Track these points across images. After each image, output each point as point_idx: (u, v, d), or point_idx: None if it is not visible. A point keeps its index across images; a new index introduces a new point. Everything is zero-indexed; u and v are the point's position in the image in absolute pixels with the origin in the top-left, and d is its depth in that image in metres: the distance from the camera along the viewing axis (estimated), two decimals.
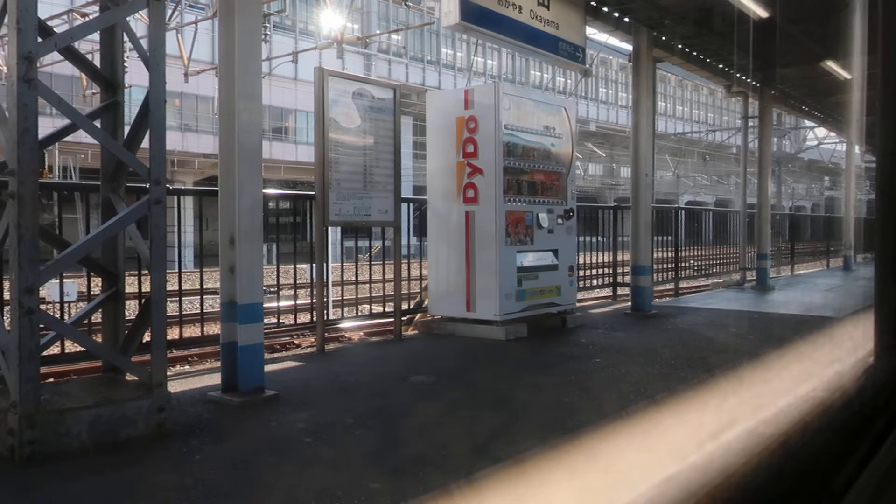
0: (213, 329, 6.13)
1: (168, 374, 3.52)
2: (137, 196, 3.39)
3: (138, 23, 8.55)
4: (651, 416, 0.85)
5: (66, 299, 5.09)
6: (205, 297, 5.93)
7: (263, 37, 13.95)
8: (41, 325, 3.04)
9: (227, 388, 3.91)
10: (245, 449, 3.13)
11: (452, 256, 6.18)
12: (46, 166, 19.95)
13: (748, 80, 10.35)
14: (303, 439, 3.21)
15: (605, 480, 0.62)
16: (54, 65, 16.53)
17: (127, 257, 3.76)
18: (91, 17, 11.93)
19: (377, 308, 6.81)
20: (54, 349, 4.14)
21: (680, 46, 9.05)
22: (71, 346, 4.56)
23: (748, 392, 0.96)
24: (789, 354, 1.32)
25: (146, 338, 3.38)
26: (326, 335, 5.66)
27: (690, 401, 0.99)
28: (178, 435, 3.21)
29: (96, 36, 3.73)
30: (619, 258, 9.26)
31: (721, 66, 10.20)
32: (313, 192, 5.40)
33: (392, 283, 6.10)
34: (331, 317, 6.61)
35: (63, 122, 3.45)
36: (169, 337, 4.09)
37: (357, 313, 7.31)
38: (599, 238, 9.67)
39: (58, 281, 4.67)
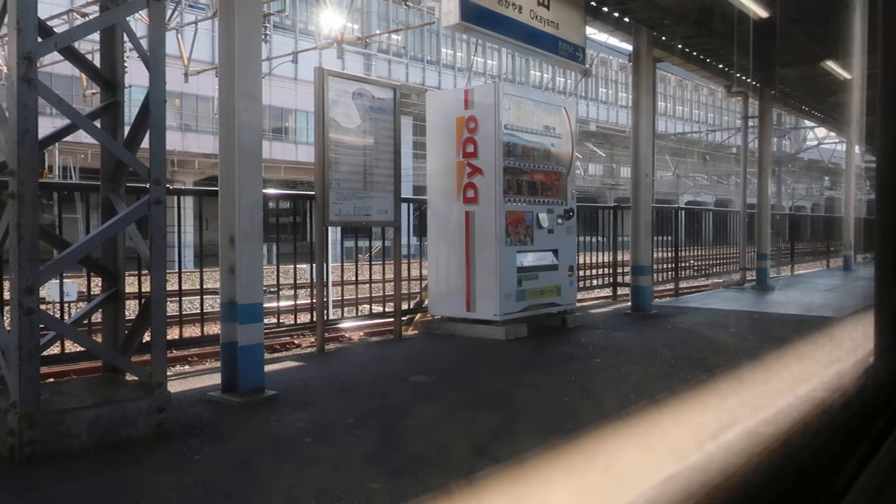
0: (213, 329, 6.13)
1: (168, 374, 3.53)
2: (137, 196, 3.39)
3: (138, 23, 8.55)
4: (651, 416, 0.85)
5: (66, 299, 5.09)
6: (205, 297, 5.93)
7: (263, 37, 13.95)
8: (41, 325, 3.04)
9: (227, 388, 3.91)
10: (245, 449, 3.13)
11: (452, 256, 6.18)
12: (46, 166, 19.95)
13: (748, 80, 10.35)
14: (303, 439, 3.21)
15: (605, 480, 0.62)
16: (54, 65, 16.53)
17: (127, 257, 3.76)
18: (91, 17, 11.94)
19: (377, 308, 6.81)
20: (54, 349, 4.14)
21: (680, 46, 9.05)
22: (71, 346, 4.56)
23: (748, 392, 0.96)
24: (789, 354, 1.32)
25: (146, 338, 3.38)
26: (326, 335, 5.66)
27: (690, 401, 0.99)
28: (178, 435, 3.21)
29: (96, 36, 3.73)
30: (619, 258, 9.26)
31: (721, 66, 10.20)
32: (313, 192, 5.40)
33: (392, 283, 6.10)
34: (331, 317, 6.61)
35: (63, 122, 3.45)
36: (169, 337, 4.09)
37: (357, 313, 7.31)
38: (599, 238, 9.67)
39: (58, 281, 4.67)
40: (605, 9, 7.54)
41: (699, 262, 11.81)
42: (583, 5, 7.11)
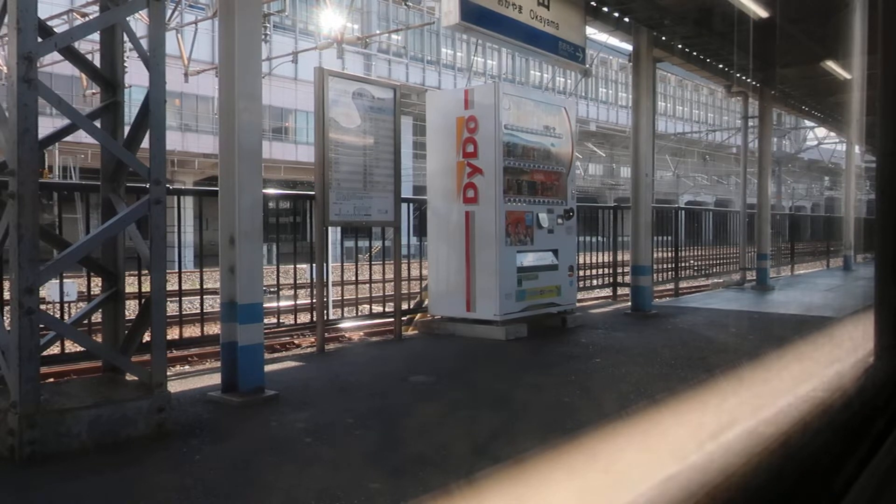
0: (213, 329, 6.13)
1: (168, 374, 3.53)
2: (137, 196, 3.39)
3: (138, 23, 8.55)
4: (651, 416, 0.85)
5: (66, 299, 5.09)
6: (205, 297, 5.93)
7: (263, 37, 13.95)
8: (41, 325, 3.04)
9: (227, 388, 3.91)
10: (245, 449, 3.13)
11: (452, 256, 6.18)
12: (46, 166, 19.95)
13: (748, 80, 10.35)
14: (303, 439, 3.21)
15: (605, 480, 0.62)
16: (54, 65, 16.54)
17: (127, 257, 3.76)
18: (91, 17, 11.94)
19: (377, 308, 6.81)
20: (54, 349, 4.14)
21: (680, 46, 9.05)
22: (71, 346, 4.56)
23: (748, 392, 0.96)
24: (789, 354, 1.32)
25: (146, 338, 3.38)
26: (326, 335, 5.66)
27: (690, 401, 0.99)
28: (178, 435, 3.21)
29: (96, 36, 3.73)
30: (619, 258, 9.26)
31: (721, 66, 10.20)
32: (313, 192, 5.40)
33: (392, 283, 6.10)
34: (331, 317, 6.61)
35: (63, 122, 3.45)
36: (169, 337, 4.09)
37: (357, 313, 7.31)
38: (599, 238, 9.67)
39: (58, 281, 4.67)
40: (605, 9, 7.53)
41: (699, 262, 11.81)
42: (583, 5, 7.11)
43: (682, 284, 11.16)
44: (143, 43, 3.37)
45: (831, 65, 10.23)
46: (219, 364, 4.24)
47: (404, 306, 6.56)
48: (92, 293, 5.04)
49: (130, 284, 4.60)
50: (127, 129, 3.60)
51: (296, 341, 6.74)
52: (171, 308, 4.93)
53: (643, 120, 7.98)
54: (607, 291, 9.65)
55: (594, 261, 9.20)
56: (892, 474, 0.80)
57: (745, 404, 0.85)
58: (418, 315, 6.86)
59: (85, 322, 4.64)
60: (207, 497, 2.53)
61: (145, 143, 3.35)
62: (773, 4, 7.70)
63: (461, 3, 5.45)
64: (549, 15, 6.53)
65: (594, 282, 9.40)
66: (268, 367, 4.40)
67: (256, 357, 3.98)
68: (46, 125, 3.28)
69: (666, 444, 0.72)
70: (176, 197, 5.27)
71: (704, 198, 45.19)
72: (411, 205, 7.20)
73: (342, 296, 8.08)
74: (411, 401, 4.01)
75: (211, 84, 21.61)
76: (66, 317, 4.82)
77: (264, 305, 4.22)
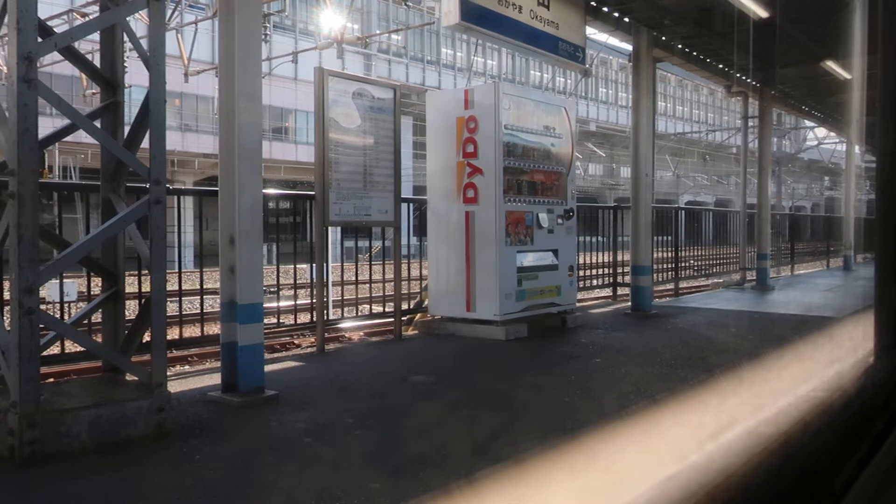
0: (213, 329, 6.13)
1: (168, 374, 3.53)
2: (137, 196, 3.39)
3: (138, 23, 8.55)
4: (651, 416, 0.85)
5: (66, 299, 5.09)
6: (205, 297, 5.93)
7: (263, 37, 13.95)
8: (41, 325, 3.04)
9: (227, 388, 3.91)
10: (245, 449, 3.13)
11: (452, 256, 6.18)
12: (46, 166, 19.95)
13: (748, 80, 10.35)
14: (303, 439, 3.21)
15: (605, 480, 0.62)
16: (54, 65, 16.53)
17: (127, 257, 3.76)
18: (91, 17, 11.94)
19: (377, 308, 6.81)
20: (54, 349, 4.14)
21: (680, 46, 9.05)
22: (71, 346, 4.56)
23: (748, 392, 0.96)
24: (789, 354, 1.32)
25: (146, 338, 3.38)
26: (326, 335, 5.66)
27: (690, 401, 0.99)
28: (178, 435, 3.21)
29: (96, 36, 3.73)
30: (619, 258, 9.26)
31: (721, 66, 10.20)
32: (313, 192, 5.40)
33: (392, 283, 6.10)
34: (331, 317, 6.61)
35: (63, 122, 3.45)
36: (169, 337, 4.09)
37: (357, 313, 7.31)
38: (599, 238, 9.67)
39: (58, 281, 4.67)
40: (605, 9, 7.54)
41: (699, 262, 11.81)
42: (583, 5, 7.11)
43: (682, 284, 11.16)
44: (143, 43, 3.37)
45: (831, 65, 10.23)
46: (219, 364, 4.24)
47: (404, 306, 6.56)
48: (92, 293, 5.04)
49: (130, 284, 4.60)
50: (127, 129, 3.60)
51: (296, 341, 6.74)
52: (171, 308, 4.93)
53: (643, 120, 7.98)
54: (607, 291, 9.65)
55: (594, 261, 9.20)
56: (892, 474, 0.80)
57: (745, 404, 0.85)
58: (418, 315, 6.86)
59: (85, 322, 4.64)
60: (207, 497, 2.53)
61: (145, 143, 3.36)
62: (773, 4, 7.70)
63: (461, 3, 5.45)
64: (549, 15, 6.53)
65: (594, 282, 9.40)
66: (268, 367, 4.40)
67: (256, 357, 3.98)
68: (46, 125, 3.28)
69: (666, 444, 0.72)
70: (176, 197, 5.27)
71: (704, 198, 45.19)
72: (411, 205, 7.20)
73: (342, 296, 8.08)
74: (411, 401, 4.01)
75: (211, 84, 21.61)
76: (66, 317, 4.82)
77: (264, 305, 4.22)
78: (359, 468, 2.84)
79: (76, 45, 3.48)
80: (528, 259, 6.24)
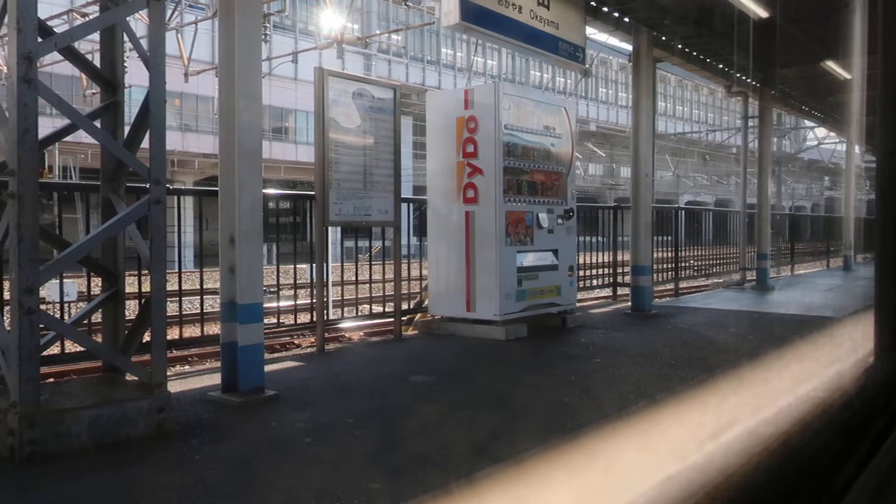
0: (213, 329, 6.13)
1: (168, 374, 3.53)
2: (137, 196, 3.39)
3: (138, 23, 8.55)
4: (651, 416, 0.85)
5: (66, 299, 5.09)
6: (205, 297, 5.93)
7: (263, 37, 13.95)
8: (41, 325, 3.04)
9: (227, 388, 3.91)
10: (245, 449, 3.13)
11: (452, 256, 6.18)
12: (46, 166, 19.95)
13: (748, 80, 10.35)
14: (303, 439, 3.21)
15: (605, 480, 0.62)
16: (54, 65, 16.53)
17: (127, 257, 3.76)
18: (91, 17, 11.94)
19: (377, 308, 6.81)
20: (54, 349, 4.14)
21: (680, 46, 9.05)
22: (71, 346, 4.56)
23: (748, 392, 0.96)
24: (789, 354, 1.32)
25: (146, 338, 3.38)
26: (326, 335, 5.66)
27: (690, 401, 0.99)
28: (178, 435, 3.21)
29: (96, 36, 3.73)
30: (619, 258, 9.26)
31: (721, 66, 10.20)
32: (313, 192, 5.40)
33: (392, 283, 6.10)
34: (331, 317, 6.61)
35: (63, 122, 3.45)
36: (169, 337, 4.09)
37: (357, 313, 7.31)
38: (599, 238, 9.67)
39: (58, 281, 4.67)
40: (605, 9, 7.54)
41: (699, 262, 11.81)
42: (583, 5, 7.11)
43: (682, 284, 11.16)
44: (143, 43, 3.37)
45: (831, 65, 10.23)
46: (219, 364, 4.24)
47: (404, 306, 6.56)
48: (92, 293, 5.04)
49: (130, 284, 4.60)
50: (127, 129, 3.60)
51: (296, 341, 6.74)
52: (171, 308, 4.93)
53: (643, 120, 7.98)
54: (607, 291, 9.65)
55: (594, 261, 9.20)
56: (892, 474, 0.80)
57: (745, 404, 0.85)
58: (418, 315, 6.86)
59: (85, 322, 4.64)
60: (207, 497, 2.53)
61: (145, 143, 3.36)
62: (773, 4, 7.70)
63: (461, 3, 5.45)
64: (549, 15, 6.53)
65: (594, 282, 9.40)
66: (268, 367, 4.40)
67: (256, 357, 3.98)
68: (46, 125, 3.28)
69: (666, 444, 0.72)
70: (176, 197, 5.27)
71: (704, 198, 45.19)
72: (411, 205, 7.20)
73: (342, 296, 8.08)
74: (411, 401, 4.01)
75: (211, 84, 21.61)
76: (66, 317, 4.82)
77: (264, 305, 4.22)
78: (359, 468, 2.84)
79: (76, 45, 3.48)
80: (528, 259, 6.24)
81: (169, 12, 17.54)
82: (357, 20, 27.62)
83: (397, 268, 5.96)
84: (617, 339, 6.04)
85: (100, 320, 3.89)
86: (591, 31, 8.17)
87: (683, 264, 10.80)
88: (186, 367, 5.61)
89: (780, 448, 0.67)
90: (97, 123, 3.60)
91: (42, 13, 3.01)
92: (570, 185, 6.78)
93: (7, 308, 3.50)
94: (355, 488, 2.55)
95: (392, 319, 6.20)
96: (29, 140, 2.86)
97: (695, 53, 9.57)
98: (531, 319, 6.16)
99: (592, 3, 7.31)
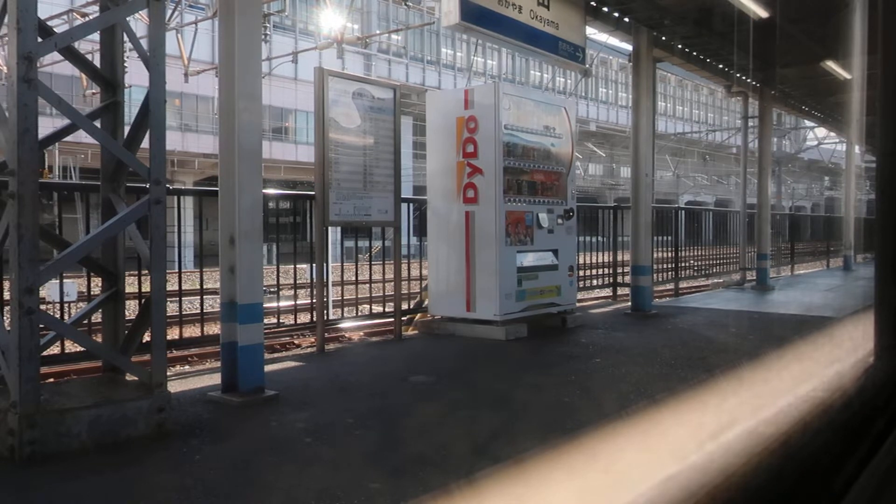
0: (213, 329, 6.13)
1: (168, 374, 3.53)
2: (137, 196, 3.39)
3: (138, 23, 8.55)
4: (651, 416, 0.85)
5: (66, 299, 5.09)
6: (205, 297, 5.93)
7: (263, 37, 13.95)
8: (41, 325, 3.04)
9: (227, 388, 3.91)
10: (245, 449, 3.13)
11: (452, 256, 6.18)
12: (46, 166, 19.95)
13: (748, 80, 10.35)
14: (303, 439, 3.21)
15: (605, 480, 0.62)
16: (54, 65, 16.53)
17: (127, 257, 3.76)
18: (91, 17, 11.94)
19: (377, 308, 6.81)
20: (54, 349, 4.14)
21: (680, 46, 9.05)
22: (71, 346, 4.56)
23: (748, 392, 0.96)
24: (789, 354, 1.32)
25: (146, 338, 3.38)
26: (326, 335, 5.66)
27: (690, 401, 0.99)
28: (178, 435, 3.21)
29: (96, 36, 3.73)
30: (619, 258, 9.26)
31: (721, 66, 10.20)
32: (313, 192, 5.40)
33: (392, 283, 6.10)
34: (331, 317, 6.61)
35: (63, 122, 3.45)
36: (169, 337, 4.09)
37: (357, 313, 7.31)
38: (599, 238, 9.67)
39: (58, 281, 4.67)
40: (605, 9, 7.54)
41: (699, 262, 11.81)
42: (583, 5, 7.11)
43: (682, 284, 11.16)
44: (143, 43, 3.37)
45: (831, 65, 10.23)
46: (219, 364, 4.24)
47: (404, 306, 6.56)
48: (92, 293, 5.04)
49: (130, 284, 4.60)
50: (127, 129, 3.60)
51: (296, 341, 6.74)
52: (171, 308, 4.93)
53: (643, 120, 7.98)
54: (607, 291, 9.65)
55: (594, 261, 9.20)
56: (892, 474, 0.80)
57: (745, 404, 0.85)
58: (418, 315, 6.86)
59: (85, 322, 4.64)
60: (207, 497, 2.53)
61: (145, 143, 3.36)
62: (773, 4, 7.70)
63: (461, 3, 5.45)
64: (549, 15, 6.53)
65: (594, 282, 9.40)
66: (268, 367, 4.40)
67: (256, 357, 3.98)
68: (46, 125, 3.28)
69: (666, 444, 0.72)
70: (176, 197, 5.27)
71: (704, 198, 45.18)
72: (411, 205, 7.20)
73: (342, 296, 8.08)
74: (411, 401, 4.01)
75: (211, 84, 21.61)
76: (66, 317, 4.82)
77: (264, 305, 4.22)
78: (359, 468, 2.84)
79: (76, 45, 3.48)
80: (528, 259, 6.24)
81: (169, 12, 17.54)
82: (357, 20, 27.63)
83: (397, 268, 5.96)
84: (617, 339, 6.04)
85: (100, 320, 3.89)
86: (591, 31, 8.17)
87: (683, 264, 10.80)
88: (186, 367, 5.61)
89: (780, 448, 0.67)
90: (97, 123, 3.60)
91: (42, 13, 3.01)
92: (570, 185, 6.78)
93: (7, 308, 3.50)
94: (355, 488, 2.55)
95: (392, 319, 6.20)
96: (29, 140, 2.86)
97: (695, 53, 9.57)
98: (531, 319, 6.16)
99: (592, 3, 7.31)
